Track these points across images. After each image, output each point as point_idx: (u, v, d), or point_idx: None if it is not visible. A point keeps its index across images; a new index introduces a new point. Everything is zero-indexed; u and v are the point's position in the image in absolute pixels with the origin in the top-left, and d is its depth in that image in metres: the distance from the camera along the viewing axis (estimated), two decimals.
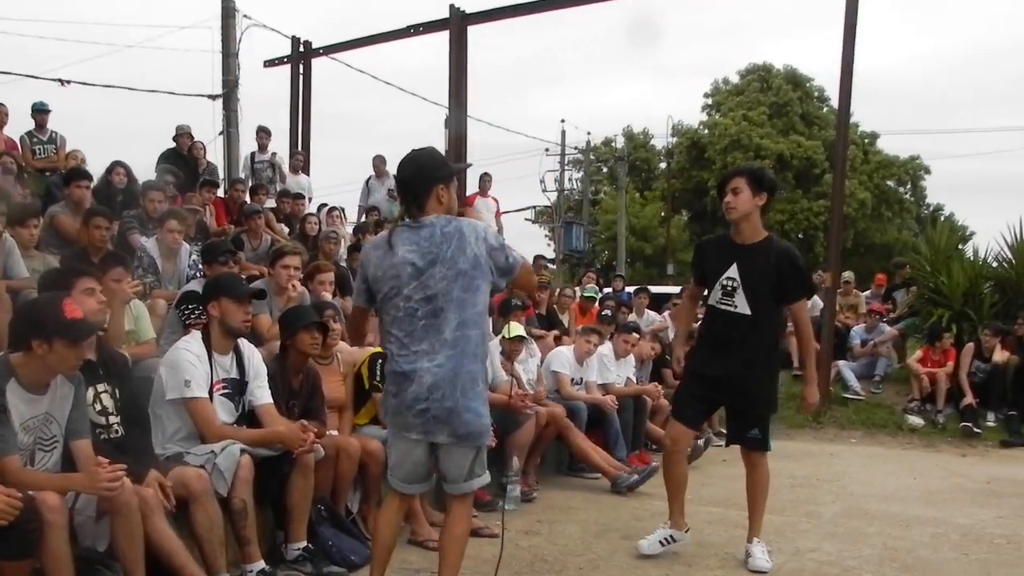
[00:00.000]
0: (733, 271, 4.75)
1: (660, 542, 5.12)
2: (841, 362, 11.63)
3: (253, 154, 13.12)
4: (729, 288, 4.77)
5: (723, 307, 4.81)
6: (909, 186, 40.17)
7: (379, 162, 13.95)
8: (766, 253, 4.72)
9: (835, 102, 11.76)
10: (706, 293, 4.95)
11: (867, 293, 13.52)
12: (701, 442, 8.58)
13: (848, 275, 13.07)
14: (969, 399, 10.49)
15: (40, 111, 10.48)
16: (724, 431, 10.13)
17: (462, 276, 3.58)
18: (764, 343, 4.79)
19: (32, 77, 12.64)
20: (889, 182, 38.19)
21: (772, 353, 4.91)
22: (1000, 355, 10.55)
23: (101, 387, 4.09)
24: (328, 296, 6.50)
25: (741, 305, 4.73)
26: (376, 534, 3.99)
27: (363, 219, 13.00)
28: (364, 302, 3.86)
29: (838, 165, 11.70)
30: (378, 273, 3.70)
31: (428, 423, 3.59)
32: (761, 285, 4.69)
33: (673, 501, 5.16)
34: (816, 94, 37.62)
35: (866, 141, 37.24)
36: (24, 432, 3.56)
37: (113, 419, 4.13)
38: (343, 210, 12.45)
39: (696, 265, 5.12)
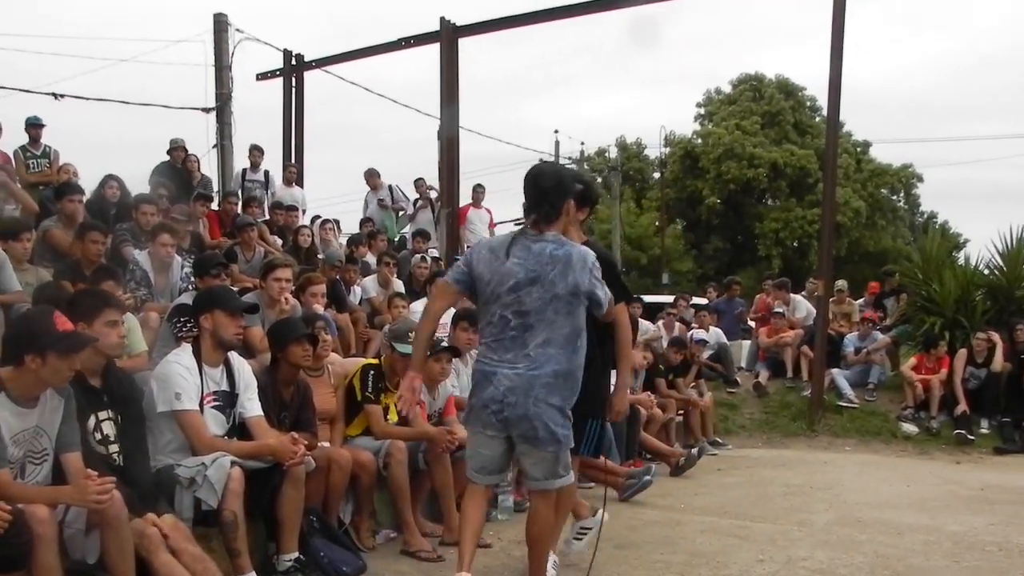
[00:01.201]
0: None
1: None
2: (835, 370, 11.65)
3: (245, 171, 13.12)
4: None
5: None
6: (902, 194, 40.36)
7: (370, 175, 14.04)
8: None
9: (827, 111, 11.81)
10: None
11: (860, 301, 13.55)
12: (695, 451, 8.63)
13: (841, 283, 13.11)
14: (963, 406, 10.51)
15: (34, 125, 10.48)
16: (719, 440, 10.32)
17: (557, 300, 3.85)
18: (590, 348, 4.55)
19: (26, 91, 12.65)
20: (883, 190, 38.35)
21: (599, 358, 4.63)
22: (998, 361, 10.56)
23: (103, 415, 4.08)
24: (320, 308, 6.52)
25: None
26: (464, 518, 4.22)
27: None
28: (454, 282, 4.09)
29: (828, 173, 11.73)
30: (485, 275, 3.96)
31: (504, 422, 3.91)
32: None
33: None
34: (808, 103, 37.81)
35: (859, 150, 37.41)
36: (14, 445, 3.57)
37: (113, 448, 4.12)
38: (337, 223, 12.47)
39: None
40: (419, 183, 14.37)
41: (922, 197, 41.04)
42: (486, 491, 4.30)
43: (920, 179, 39.62)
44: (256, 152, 13.11)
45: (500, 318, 3.92)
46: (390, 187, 14.08)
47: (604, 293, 3.99)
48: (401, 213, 14.12)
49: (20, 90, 12.53)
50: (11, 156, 10.20)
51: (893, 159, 38.65)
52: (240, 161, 14.15)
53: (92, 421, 4.02)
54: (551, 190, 4.02)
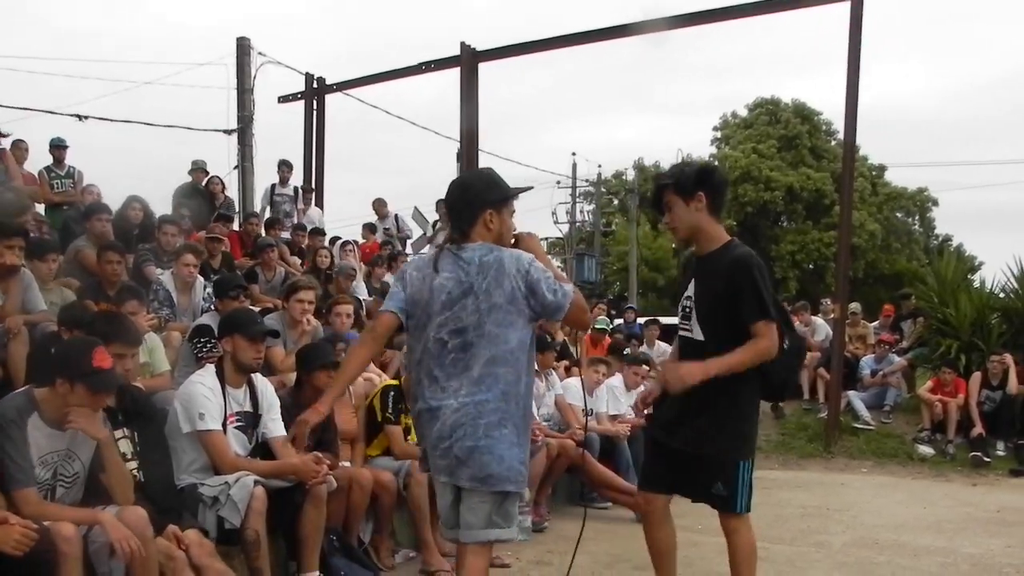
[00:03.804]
0: (691, 290, 3.96)
1: None
2: (851, 392, 11.65)
3: (274, 186, 13.35)
4: (686, 310, 3.96)
5: (682, 334, 4.01)
6: (917, 217, 40.31)
7: (379, 204, 14.63)
8: (718, 262, 3.84)
9: (843, 135, 11.85)
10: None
11: (876, 324, 13.54)
12: None
13: (855, 306, 13.10)
14: (979, 428, 10.47)
15: (58, 146, 10.65)
16: None
17: (496, 310, 3.29)
18: (722, 377, 3.74)
19: (51, 113, 12.82)
20: (898, 213, 38.30)
21: (738, 388, 3.86)
22: (1013, 384, 10.54)
23: (119, 433, 4.16)
24: (347, 328, 6.60)
25: (695, 330, 3.90)
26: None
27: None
28: (398, 310, 3.49)
29: (844, 196, 11.74)
30: (415, 296, 3.45)
31: (452, 464, 3.31)
32: (711, 303, 3.85)
33: (659, 571, 4.30)
34: (824, 128, 37.83)
35: (874, 173, 37.39)
36: (41, 466, 3.64)
37: (132, 464, 4.20)
38: (356, 243, 12.59)
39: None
40: (440, 204, 14.56)
41: (937, 220, 41.04)
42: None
43: (935, 203, 39.65)
44: (285, 168, 13.40)
45: (436, 341, 3.35)
46: (396, 216, 14.51)
47: (559, 294, 3.33)
48: (410, 240, 14.38)
49: (45, 111, 12.72)
50: (36, 176, 10.37)
51: (908, 183, 38.73)
52: (261, 182, 14.37)
53: None
54: (454, 204, 3.50)
